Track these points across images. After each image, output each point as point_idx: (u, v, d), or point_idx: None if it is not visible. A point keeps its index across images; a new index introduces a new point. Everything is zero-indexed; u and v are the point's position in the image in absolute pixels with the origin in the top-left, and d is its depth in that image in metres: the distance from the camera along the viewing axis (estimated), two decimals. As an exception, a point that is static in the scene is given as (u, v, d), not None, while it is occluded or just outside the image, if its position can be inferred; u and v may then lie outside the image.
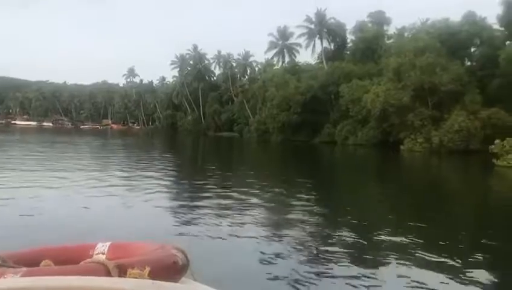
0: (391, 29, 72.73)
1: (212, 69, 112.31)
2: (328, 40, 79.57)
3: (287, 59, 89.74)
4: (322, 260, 8.41)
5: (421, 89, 49.42)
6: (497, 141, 30.01)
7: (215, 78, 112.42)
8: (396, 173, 34.29)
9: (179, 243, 2.30)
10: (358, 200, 18.23)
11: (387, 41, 69.43)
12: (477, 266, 8.06)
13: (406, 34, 68.36)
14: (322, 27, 78.60)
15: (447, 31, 55.55)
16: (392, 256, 8.65)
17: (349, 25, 76.78)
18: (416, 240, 9.98)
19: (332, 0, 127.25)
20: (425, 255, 8.66)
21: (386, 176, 30.48)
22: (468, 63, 57.19)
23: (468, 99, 48.18)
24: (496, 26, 54.79)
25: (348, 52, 75.65)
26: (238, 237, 10.01)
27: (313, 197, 17.89)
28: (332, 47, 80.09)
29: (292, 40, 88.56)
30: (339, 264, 8.16)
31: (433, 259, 8.36)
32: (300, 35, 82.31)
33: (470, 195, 20.96)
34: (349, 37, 76.89)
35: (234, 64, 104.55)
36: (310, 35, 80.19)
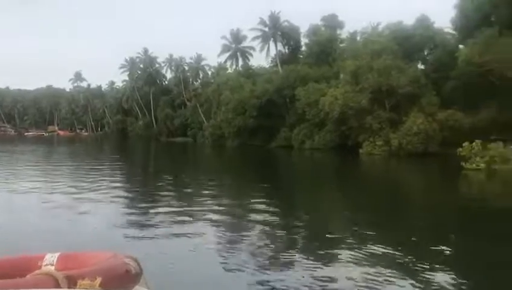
0: (344, 33, 72.80)
1: (164, 72, 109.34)
2: (282, 43, 78.68)
3: (240, 62, 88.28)
4: (277, 268, 8.70)
5: (378, 91, 49.06)
6: (465, 144, 29.51)
7: (166, 82, 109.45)
8: (358, 177, 33.38)
9: (131, 251, 2.27)
10: (315, 206, 18.08)
11: (341, 45, 69.28)
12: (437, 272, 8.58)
13: (358, 38, 68.69)
14: (276, 30, 77.64)
15: (401, 35, 55.72)
16: (346, 261, 9.07)
17: (303, 28, 76.28)
18: (376, 247, 10.17)
19: (285, 4, 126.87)
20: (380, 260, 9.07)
21: (346, 181, 29.64)
22: (422, 66, 57.61)
23: (425, 102, 48.20)
24: (449, 30, 55.45)
25: (302, 56, 75.07)
26: (190, 245, 10.06)
27: (268, 203, 17.47)
28: (286, 50, 79.27)
29: (245, 44, 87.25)
30: (294, 270, 8.55)
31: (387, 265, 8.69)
32: (254, 38, 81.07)
33: (440, 199, 20.38)
34: (303, 40, 76.36)
35: (186, 67, 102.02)
36: (264, 38, 79.05)
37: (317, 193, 22.16)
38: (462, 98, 48.24)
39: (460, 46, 51.75)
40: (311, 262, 9.16)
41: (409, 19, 63.59)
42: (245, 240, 10.97)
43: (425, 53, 58.13)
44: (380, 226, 13.22)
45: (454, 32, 53.74)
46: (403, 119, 48.18)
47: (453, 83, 50.18)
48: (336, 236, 12.10)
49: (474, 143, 29.06)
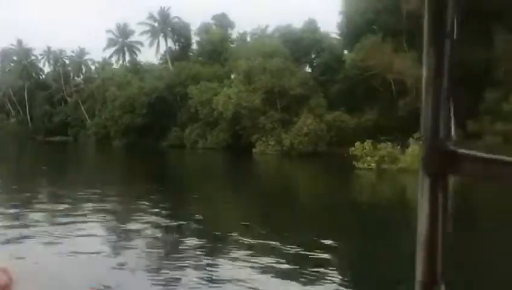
0: (234, 33, 73.19)
1: (41, 66, 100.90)
2: (172, 40, 76.82)
3: (127, 58, 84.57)
4: (162, 268, 9.03)
5: (271, 92, 49.82)
6: (357, 144, 30.80)
7: (44, 76, 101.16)
8: (252, 177, 33.48)
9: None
10: (207, 206, 18.16)
11: (231, 45, 69.49)
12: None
13: (248, 39, 69.52)
14: (166, 26, 75.58)
15: (290, 38, 57.36)
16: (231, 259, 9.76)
17: (193, 26, 75.21)
18: (264, 242, 11.18)
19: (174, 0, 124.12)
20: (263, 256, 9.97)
21: (239, 180, 29.60)
22: (310, 70, 59.78)
23: (313, 103, 49.94)
24: (335, 35, 58.18)
25: (193, 54, 74.00)
26: (70, 252, 9.90)
27: (155, 206, 17.07)
28: (177, 47, 77.51)
29: (133, 38, 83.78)
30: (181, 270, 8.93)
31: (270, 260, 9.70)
32: (142, 33, 78.15)
33: (334, 197, 21.04)
34: (194, 38, 75.28)
35: (67, 61, 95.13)
36: (153, 33, 76.54)
37: (209, 193, 21.83)
38: (347, 100, 50.89)
39: (346, 50, 54.56)
40: (198, 261, 9.80)
41: (297, 23, 65.49)
42: (128, 244, 11.10)
43: (313, 56, 60.42)
44: (270, 225, 14.09)
45: (340, 37, 56.42)
46: (294, 119, 49.46)
47: (339, 86, 52.72)
48: (228, 234, 12.76)
49: (365, 143, 30.46)
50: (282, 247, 11.07)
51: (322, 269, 9.62)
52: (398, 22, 43.67)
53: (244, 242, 11.56)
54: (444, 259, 0.70)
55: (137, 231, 12.74)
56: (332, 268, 9.99)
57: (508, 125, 36.73)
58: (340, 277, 9.56)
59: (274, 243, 11.38)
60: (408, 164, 28.16)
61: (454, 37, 0.67)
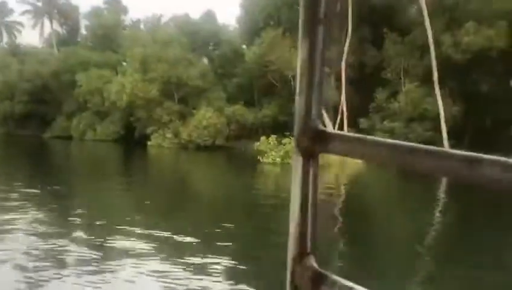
0: (127, 20, 69.63)
1: None
2: (59, 22, 70.87)
3: (5, 39, 76.59)
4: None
5: (168, 82, 47.92)
6: (262, 138, 30.44)
7: None
8: (146, 171, 31.90)
9: None
10: (94, 204, 17.24)
11: (124, 32, 65.96)
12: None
13: (142, 27, 66.63)
14: (52, 7, 69.54)
15: (188, 28, 55.77)
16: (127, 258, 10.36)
17: (83, 9, 70.16)
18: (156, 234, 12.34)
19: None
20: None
21: (131, 175, 28.27)
22: (208, 61, 58.66)
23: (213, 96, 49.01)
24: (234, 27, 57.67)
25: (82, 39, 68.97)
26: None
27: (37, 204, 16.14)
28: (64, 31, 71.74)
29: (12, 18, 76.05)
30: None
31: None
32: (23, 13, 71.13)
33: (236, 192, 20.83)
34: (84, 22, 70.19)
35: None
36: (37, 14, 70.10)
37: (100, 190, 20.36)
38: (246, 94, 50.73)
39: (245, 44, 54.32)
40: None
41: (194, 14, 64.08)
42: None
43: (211, 48, 59.35)
44: (157, 218, 14.53)
45: (239, 30, 56.03)
46: (192, 112, 48.14)
47: (238, 79, 52.31)
48: (118, 228, 13.22)
49: (270, 138, 30.25)
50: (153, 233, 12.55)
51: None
52: (296, 18, 44.09)
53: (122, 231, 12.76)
54: (313, 233, 0.73)
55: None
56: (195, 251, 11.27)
57: (395, 123, 39.03)
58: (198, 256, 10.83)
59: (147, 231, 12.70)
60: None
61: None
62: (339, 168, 29.68)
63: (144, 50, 48.72)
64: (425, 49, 38.45)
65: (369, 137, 0.68)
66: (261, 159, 29.11)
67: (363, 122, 40.43)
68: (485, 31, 34.78)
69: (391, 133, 37.30)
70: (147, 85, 47.30)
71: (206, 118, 45.96)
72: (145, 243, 11.62)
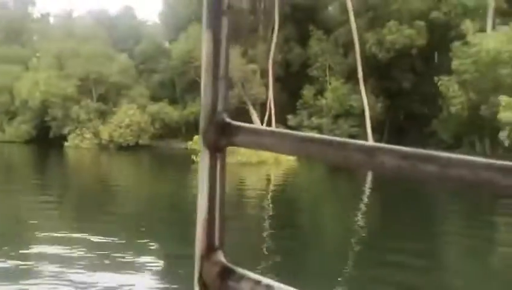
0: (36, 13, 64.98)
1: None
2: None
3: None
4: None
5: (86, 79, 45.17)
6: (196, 137, 29.32)
7: None
8: (58, 173, 29.80)
9: None
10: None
11: (33, 25, 61.43)
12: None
13: (51, 20, 62.62)
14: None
15: (105, 23, 53.10)
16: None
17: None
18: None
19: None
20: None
21: (46, 178, 26.32)
22: (129, 58, 56.25)
23: (135, 93, 46.96)
24: (156, 23, 55.78)
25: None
26: None
27: None
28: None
29: None
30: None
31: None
32: None
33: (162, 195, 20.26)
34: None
35: None
36: None
37: (10, 196, 18.79)
38: (170, 91, 49.21)
39: (167, 40, 52.70)
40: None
41: (112, 8, 61.17)
42: None
43: (131, 44, 56.95)
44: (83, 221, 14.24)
45: (161, 26, 54.32)
46: (113, 110, 45.79)
47: (160, 76, 50.59)
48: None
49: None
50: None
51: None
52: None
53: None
54: (221, 228, 0.73)
55: None
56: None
57: (322, 119, 39.71)
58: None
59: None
60: (247, 157, 27.99)
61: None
62: (275, 166, 29.54)
63: (59, 45, 45.49)
64: (349, 47, 39.49)
65: (274, 129, 0.69)
66: (195, 158, 28.09)
67: (291, 119, 40.68)
68: (406, 30, 36.37)
69: (319, 130, 37.87)
70: (63, 82, 44.23)
71: (129, 116, 43.89)
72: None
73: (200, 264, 0.73)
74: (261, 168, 28.41)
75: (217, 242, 0.73)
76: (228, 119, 0.71)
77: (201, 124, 0.73)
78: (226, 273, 0.70)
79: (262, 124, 41.64)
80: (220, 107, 0.71)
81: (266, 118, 43.10)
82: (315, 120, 38.96)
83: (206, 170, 0.72)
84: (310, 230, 14.39)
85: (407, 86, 38.06)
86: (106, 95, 47.26)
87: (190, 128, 46.74)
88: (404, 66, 37.83)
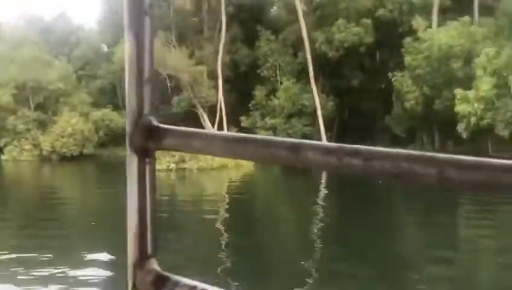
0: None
1: None
2: None
3: None
4: None
5: (22, 87, 42.28)
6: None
7: None
8: (3, 188, 27.65)
9: None
10: None
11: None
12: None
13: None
14: None
15: (39, 28, 50.19)
16: None
17: None
18: None
19: None
20: None
21: None
22: (68, 63, 53.44)
23: (76, 100, 44.53)
24: (93, 27, 53.39)
25: None
26: None
27: None
28: None
29: None
30: None
31: None
32: None
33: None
34: None
35: None
36: None
37: None
38: (112, 97, 47.10)
39: (106, 44, 50.54)
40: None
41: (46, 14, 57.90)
42: None
43: (68, 49, 54.13)
44: None
45: (100, 30, 52.03)
46: (53, 119, 43.17)
47: (101, 81, 48.36)
48: None
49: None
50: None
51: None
52: (167, 17, 42.32)
53: None
54: (153, 235, 0.71)
55: None
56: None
57: (275, 119, 39.39)
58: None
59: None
60: (208, 162, 27.14)
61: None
62: (235, 170, 28.88)
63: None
64: (298, 46, 39.43)
65: (202, 130, 0.68)
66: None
67: (244, 121, 40.09)
68: (354, 28, 36.74)
69: (273, 130, 37.55)
70: (-3, 91, 41.14)
71: (72, 124, 41.47)
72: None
73: (133, 274, 0.70)
74: (222, 172, 27.64)
75: (149, 250, 0.70)
76: (156, 123, 0.69)
77: (128, 129, 0.70)
78: (160, 281, 0.68)
79: (213, 127, 40.78)
80: (146, 110, 0.69)
81: (217, 120, 42.20)
82: (268, 120, 38.55)
83: (135, 176, 0.69)
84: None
85: (355, 83, 38.52)
86: (44, 104, 44.50)
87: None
88: (353, 64, 38.24)
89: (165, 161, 27.06)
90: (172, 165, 27.53)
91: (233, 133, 0.65)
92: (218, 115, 42.46)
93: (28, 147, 41.48)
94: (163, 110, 44.06)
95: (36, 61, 42.51)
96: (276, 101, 38.42)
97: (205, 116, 42.45)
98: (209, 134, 0.66)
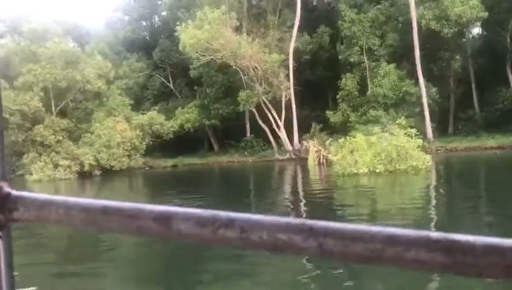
0: None
1: None
2: None
3: None
4: None
5: (49, 88, 34.18)
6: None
7: None
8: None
9: None
10: None
11: None
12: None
13: None
14: None
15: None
16: None
17: None
18: None
19: None
20: None
21: None
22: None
23: (113, 102, 36.84)
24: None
25: None
26: None
27: None
28: None
29: None
30: None
31: None
32: None
33: None
34: None
35: None
36: None
37: None
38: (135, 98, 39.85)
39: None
40: None
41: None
42: None
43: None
44: None
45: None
46: (79, 126, 35.46)
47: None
48: None
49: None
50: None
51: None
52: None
53: None
54: None
55: None
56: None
57: (375, 111, 33.94)
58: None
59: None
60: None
61: None
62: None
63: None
64: (387, 25, 34.19)
65: (60, 198, 0.59)
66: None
67: (331, 115, 34.63)
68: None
69: (374, 124, 32.11)
70: (20, 94, 32.73)
71: (120, 131, 33.88)
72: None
73: None
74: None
75: None
76: (7, 189, 0.58)
77: None
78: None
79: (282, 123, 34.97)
80: None
81: (283, 116, 36.12)
82: (369, 112, 32.57)
83: None
84: None
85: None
86: (65, 109, 36.51)
87: (188, 140, 38.36)
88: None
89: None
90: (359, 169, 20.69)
91: (96, 201, 0.56)
92: (283, 111, 36.47)
93: (64, 162, 33.31)
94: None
95: (71, 55, 34.54)
96: (379, 90, 32.53)
97: (274, 113, 36.21)
98: (68, 203, 0.57)
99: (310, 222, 0.47)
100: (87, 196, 24.42)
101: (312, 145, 29.04)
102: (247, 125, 40.76)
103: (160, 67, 43.03)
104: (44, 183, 32.25)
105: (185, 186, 27.46)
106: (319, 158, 28.16)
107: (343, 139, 23.37)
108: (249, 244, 0.49)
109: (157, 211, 0.52)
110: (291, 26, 37.49)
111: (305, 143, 31.82)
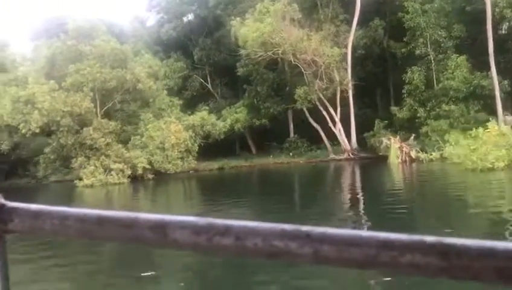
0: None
1: None
2: None
3: None
4: None
5: (100, 88, 32.41)
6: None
7: None
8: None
9: None
10: None
11: None
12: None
13: None
14: None
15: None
16: None
17: None
18: None
19: None
20: None
21: None
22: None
23: (161, 102, 35.15)
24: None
25: None
26: None
27: None
28: None
29: None
30: None
31: None
32: None
33: None
34: None
35: None
36: None
37: None
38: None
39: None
40: None
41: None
42: None
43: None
44: None
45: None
46: (124, 128, 33.73)
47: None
48: None
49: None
50: None
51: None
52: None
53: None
54: None
55: None
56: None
57: (448, 106, 32.13)
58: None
59: None
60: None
61: None
62: None
63: (54, 43, 32.07)
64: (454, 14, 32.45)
65: (54, 209, 0.58)
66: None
67: (397, 111, 32.79)
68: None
69: (446, 119, 30.47)
70: (71, 94, 30.95)
71: (174, 132, 32.13)
72: None
73: None
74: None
75: None
76: (2, 201, 0.58)
77: None
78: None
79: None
80: None
81: (338, 114, 34.36)
82: (441, 107, 30.78)
83: None
84: None
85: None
86: (109, 110, 34.72)
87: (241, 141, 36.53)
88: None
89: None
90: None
91: (91, 211, 0.56)
92: (339, 108, 34.75)
93: (117, 166, 31.48)
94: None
95: (116, 54, 32.78)
96: (451, 83, 30.66)
97: (331, 110, 34.46)
98: (63, 213, 0.57)
99: (306, 228, 0.47)
100: (157, 204, 22.57)
101: (396, 142, 27.31)
102: (291, 126, 39.13)
103: (199, 68, 41.55)
104: (97, 188, 30.44)
105: (250, 189, 25.67)
106: (402, 155, 26.47)
107: (474, 130, 21.76)
108: (245, 252, 0.48)
109: (153, 220, 0.52)
110: (343, 20, 35.92)
111: (384, 140, 29.86)
